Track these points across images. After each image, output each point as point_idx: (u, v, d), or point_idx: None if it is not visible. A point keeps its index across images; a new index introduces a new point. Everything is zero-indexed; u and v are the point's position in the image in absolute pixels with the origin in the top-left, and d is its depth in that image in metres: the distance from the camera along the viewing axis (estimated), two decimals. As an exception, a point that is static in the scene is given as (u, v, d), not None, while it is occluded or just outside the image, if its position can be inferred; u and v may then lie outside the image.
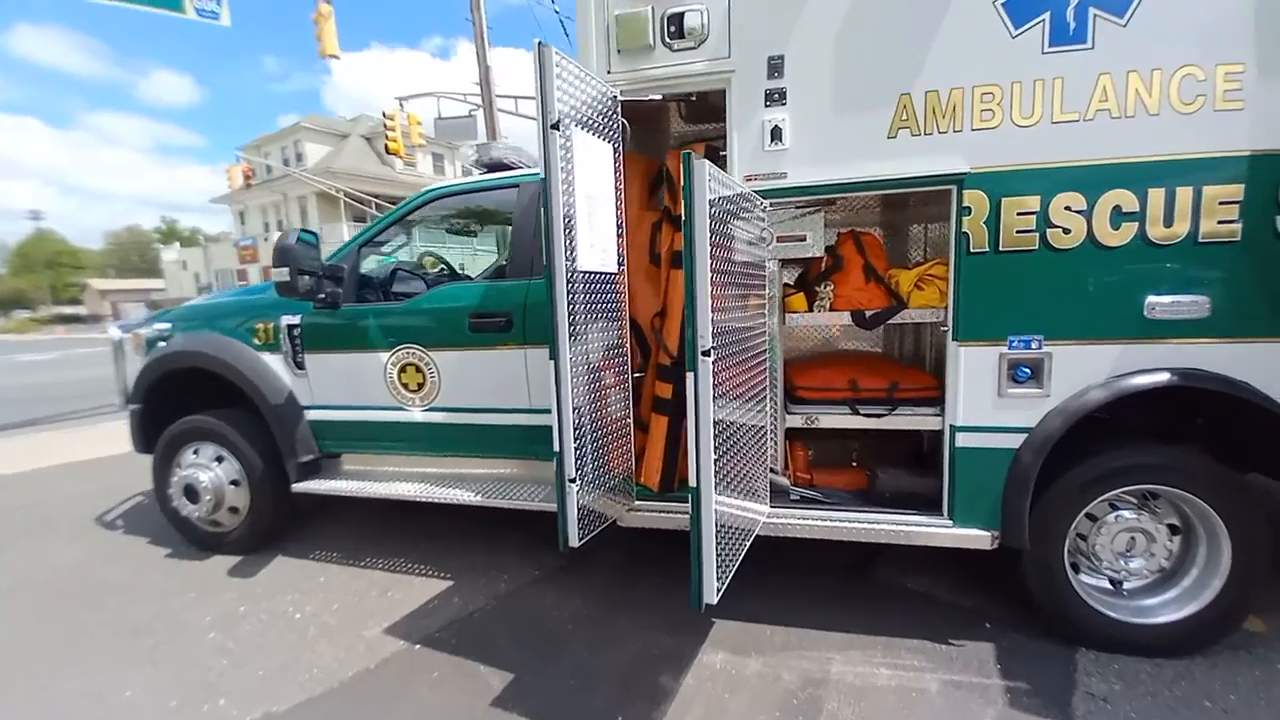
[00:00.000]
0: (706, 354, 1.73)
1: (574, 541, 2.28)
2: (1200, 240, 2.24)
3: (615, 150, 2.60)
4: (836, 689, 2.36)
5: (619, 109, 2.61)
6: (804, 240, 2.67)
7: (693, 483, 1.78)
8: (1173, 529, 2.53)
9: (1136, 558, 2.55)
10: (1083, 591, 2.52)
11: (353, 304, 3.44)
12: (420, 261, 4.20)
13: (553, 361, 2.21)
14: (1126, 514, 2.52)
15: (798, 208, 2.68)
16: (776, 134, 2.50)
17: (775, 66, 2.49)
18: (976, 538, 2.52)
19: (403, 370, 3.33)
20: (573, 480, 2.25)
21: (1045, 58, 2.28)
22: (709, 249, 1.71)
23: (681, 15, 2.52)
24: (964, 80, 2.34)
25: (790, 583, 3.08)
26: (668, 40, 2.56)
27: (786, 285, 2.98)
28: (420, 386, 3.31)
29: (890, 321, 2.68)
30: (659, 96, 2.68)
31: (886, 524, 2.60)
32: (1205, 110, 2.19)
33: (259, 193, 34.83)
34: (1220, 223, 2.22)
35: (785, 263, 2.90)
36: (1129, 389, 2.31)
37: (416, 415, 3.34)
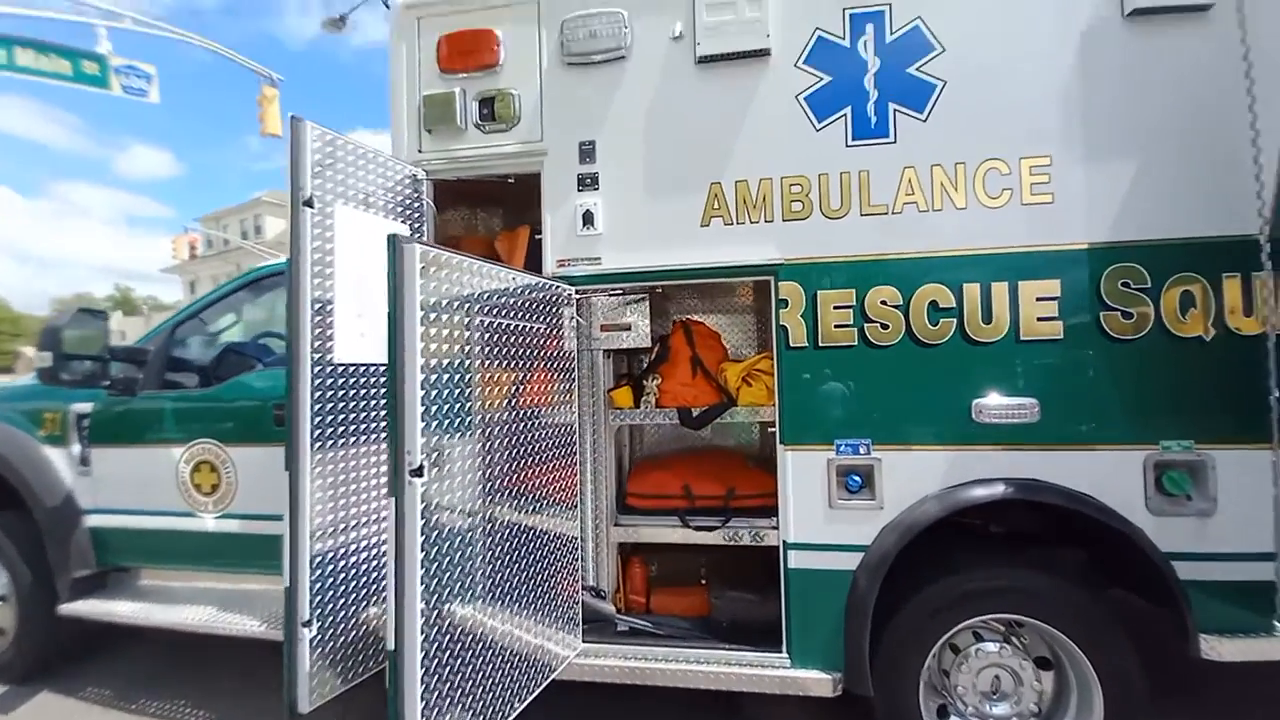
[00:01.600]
0: (417, 473, 1.41)
1: (303, 706, 1.80)
2: (1022, 339, 2.09)
3: (417, 229, 2.39)
4: None
5: (424, 189, 2.44)
6: (629, 330, 2.45)
7: (389, 644, 1.39)
8: (1042, 663, 2.21)
9: (1002, 700, 2.19)
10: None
11: (152, 391, 3.05)
12: (259, 342, 3.86)
13: (288, 472, 1.85)
14: (989, 647, 2.19)
15: (622, 295, 2.48)
16: (589, 218, 2.34)
17: (587, 151, 2.37)
18: (817, 681, 2.13)
19: (196, 469, 2.89)
20: (306, 623, 1.81)
21: (850, 151, 2.20)
22: (419, 347, 1.44)
23: (493, 98, 2.42)
24: (772, 171, 2.24)
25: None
26: (479, 121, 2.44)
27: (625, 377, 2.73)
28: (214, 489, 2.86)
29: (720, 420, 2.42)
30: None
31: (716, 666, 2.19)
32: (1013, 203, 2.11)
33: (213, 263, 34.46)
34: (1040, 320, 2.08)
35: (617, 354, 2.68)
36: (963, 502, 2.06)
37: (208, 523, 2.87)
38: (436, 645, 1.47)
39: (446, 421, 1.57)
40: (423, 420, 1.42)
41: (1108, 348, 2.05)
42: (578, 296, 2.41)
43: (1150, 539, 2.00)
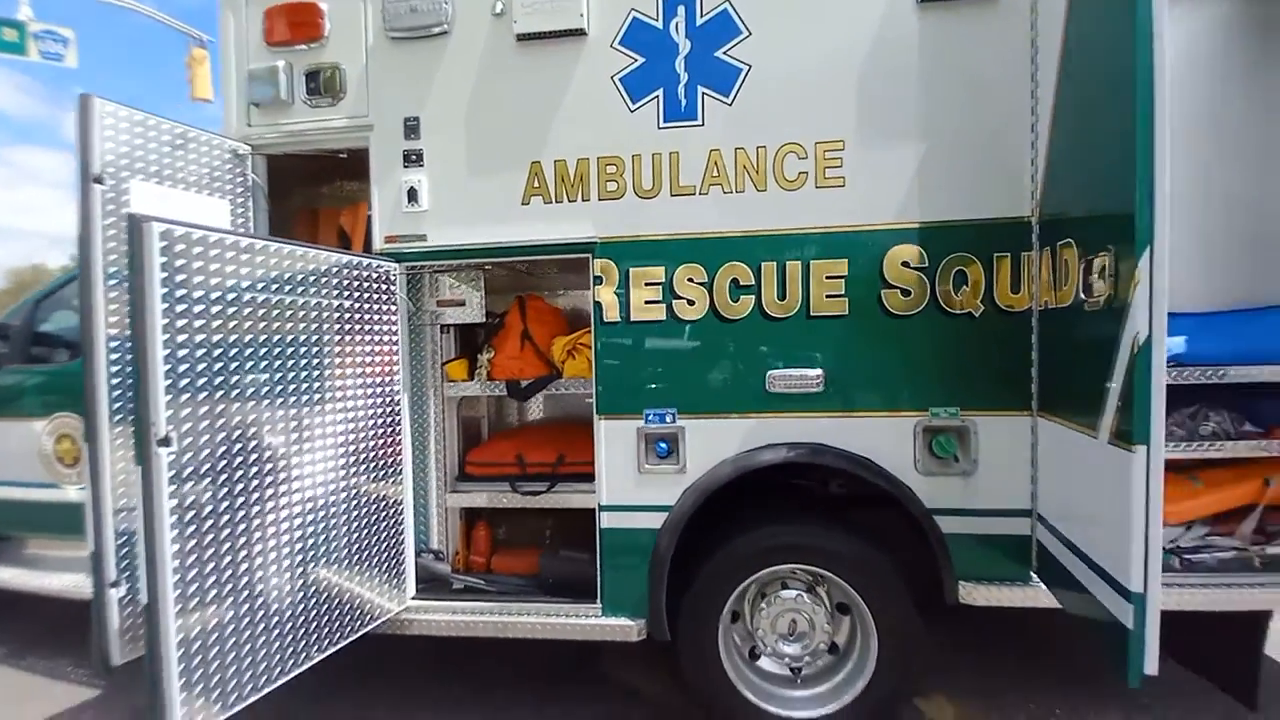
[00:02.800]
0: (164, 443, 1.50)
1: (115, 660, 1.92)
2: (812, 314, 2.23)
3: (241, 204, 2.41)
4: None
5: (249, 164, 2.45)
6: (463, 305, 2.54)
7: (144, 597, 1.51)
8: (843, 609, 2.42)
9: (796, 641, 2.41)
10: (739, 683, 2.34)
11: (17, 365, 3.05)
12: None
13: (87, 444, 1.92)
14: (787, 594, 2.39)
15: (458, 271, 2.56)
16: (414, 195, 2.38)
17: (412, 127, 2.40)
18: (623, 628, 2.32)
19: (58, 441, 2.93)
20: (114, 584, 1.92)
21: (662, 132, 2.27)
22: (161, 323, 1.51)
23: (318, 72, 2.42)
24: (589, 151, 2.31)
25: (496, 674, 2.80)
26: (306, 96, 2.44)
27: (471, 351, 2.81)
28: (77, 460, 2.91)
29: (561, 392, 2.54)
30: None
31: (536, 617, 2.37)
32: (808, 187, 2.22)
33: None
34: (829, 297, 2.22)
35: (467, 328, 2.76)
36: (753, 465, 2.22)
37: (70, 494, 2.92)
38: (197, 603, 1.58)
39: (210, 394, 1.65)
40: (168, 393, 1.50)
41: (887, 323, 2.20)
42: (410, 273, 2.49)
43: (918, 497, 2.20)
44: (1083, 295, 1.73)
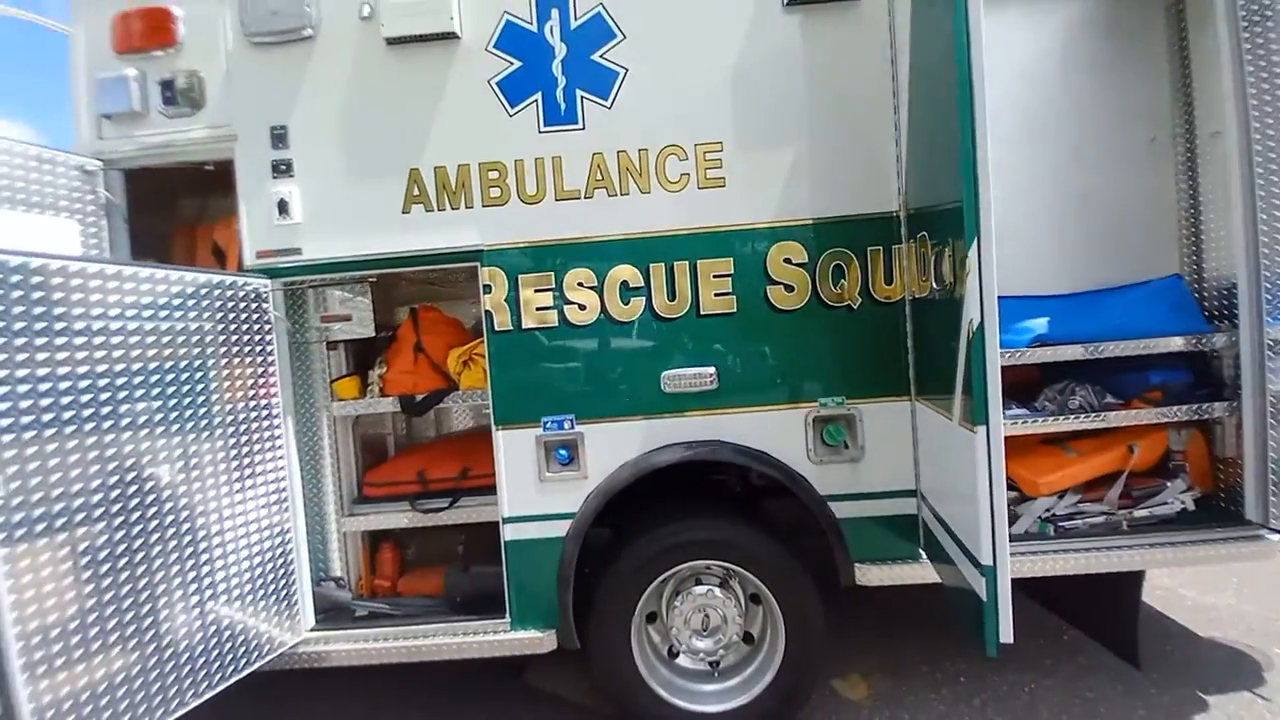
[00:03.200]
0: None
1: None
2: (702, 314, 2.26)
3: (92, 222, 2.24)
4: None
5: (99, 180, 2.27)
6: (349, 320, 2.44)
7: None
8: (757, 600, 2.47)
9: (710, 635, 2.44)
10: (653, 682, 2.35)
11: None
12: None
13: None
14: (698, 590, 2.42)
15: (342, 285, 2.46)
16: (284, 207, 2.27)
17: (279, 136, 2.28)
18: (534, 641, 2.29)
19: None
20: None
21: (543, 137, 2.25)
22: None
23: (173, 80, 2.27)
24: (470, 157, 2.26)
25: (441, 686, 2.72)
26: (162, 106, 2.29)
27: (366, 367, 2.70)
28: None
29: (456, 405, 2.49)
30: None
31: (444, 638, 2.31)
32: (690, 188, 2.25)
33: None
34: (717, 296, 2.26)
35: (361, 344, 2.65)
36: (651, 466, 2.23)
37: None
38: (46, 669, 1.46)
39: (53, 431, 1.52)
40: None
41: (773, 318, 2.26)
42: (287, 289, 2.37)
43: (812, 485, 2.27)
44: (935, 285, 1.82)
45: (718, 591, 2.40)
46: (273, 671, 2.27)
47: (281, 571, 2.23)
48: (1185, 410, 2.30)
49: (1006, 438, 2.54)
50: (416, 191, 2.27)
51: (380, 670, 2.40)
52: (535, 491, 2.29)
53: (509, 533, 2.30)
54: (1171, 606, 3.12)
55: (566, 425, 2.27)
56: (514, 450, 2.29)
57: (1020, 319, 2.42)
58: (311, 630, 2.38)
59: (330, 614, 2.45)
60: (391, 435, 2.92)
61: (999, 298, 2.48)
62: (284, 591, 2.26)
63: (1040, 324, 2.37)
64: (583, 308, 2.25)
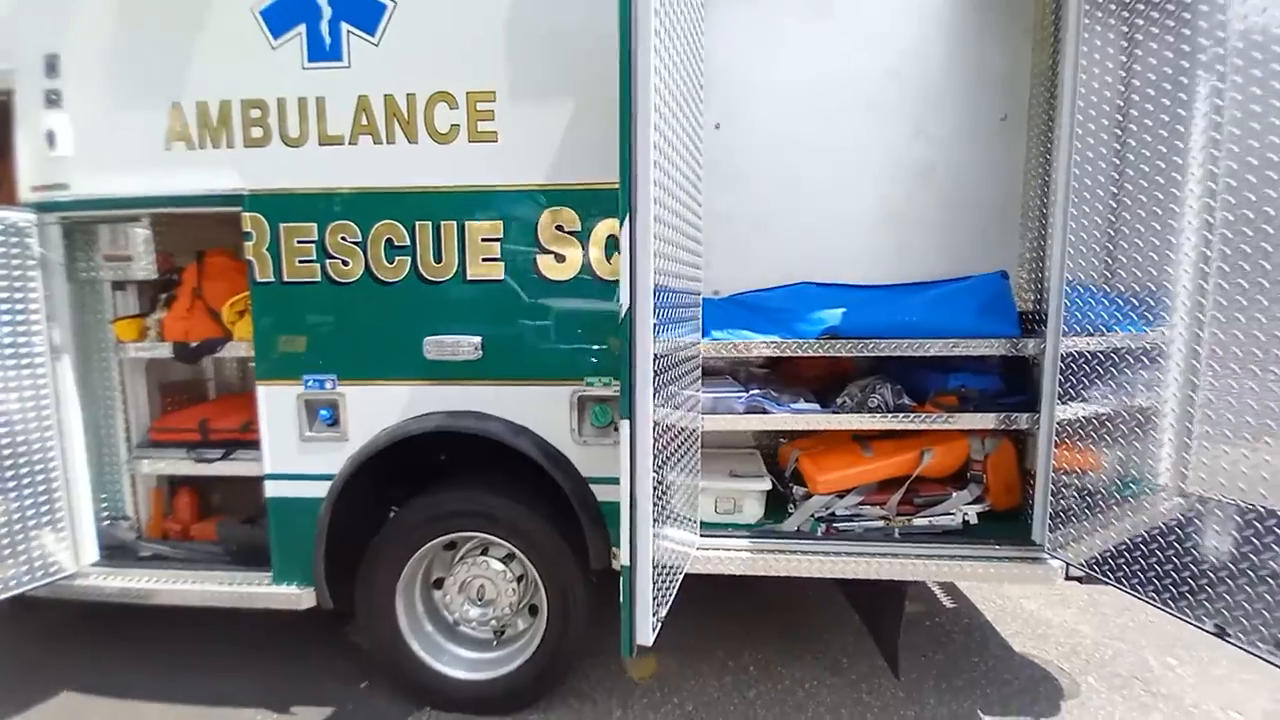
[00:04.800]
0: None
1: None
2: (469, 279, 2.13)
3: None
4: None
5: None
6: (129, 260, 2.37)
7: None
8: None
9: (485, 605, 2.42)
10: (419, 649, 2.36)
11: None
12: None
13: None
14: (475, 560, 2.38)
15: (125, 223, 2.37)
16: (53, 139, 2.17)
17: (52, 65, 2.16)
18: (292, 596, 2.29)
19: None
20: None
21: (306, 74, 2.09)
22: None
23: (-67, -2, 2.15)
24: (232, 92, 2.11)
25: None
26: (-72, 25, 2.17)
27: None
28: None
29: (220, 355, 2.42)
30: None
31: (212, 585, 2.33)
32: (461, 140, 2.08)
33: None
34: (485, 260, 2.12)
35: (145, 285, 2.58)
36: (408, 433, 2.16)
37: None
38: None
39: None
40: None
41: (542, 289, 2.12)
42: (65, 225, 2.30)
43: (575, 466, 2.18)
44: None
45: (494, 563, 2.37)
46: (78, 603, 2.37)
47: (47, 505, 2.24)
48: (979, 419, 2.14)
49: (810, 432, 2.50)
50: (178, 127, 2.14)
51: (217, 615, 2.45)
52: (296, 450, 2.24)
53: (271, 489, 2.27)
54: (1004, 617, 3.02)
55: (328, 385, 2.20)
56: (276, 407, 2.23)
57: (821, 308, 2.25)
58: (93, 564, 2.43)
59: (116, 550, 2.49)
60: (213, 382, 2.90)
61: (803, 284, 2.39)
62: (56, 524, 2.28)
63: (835, 315, 2.20)
64: (346, 264, 2.14)
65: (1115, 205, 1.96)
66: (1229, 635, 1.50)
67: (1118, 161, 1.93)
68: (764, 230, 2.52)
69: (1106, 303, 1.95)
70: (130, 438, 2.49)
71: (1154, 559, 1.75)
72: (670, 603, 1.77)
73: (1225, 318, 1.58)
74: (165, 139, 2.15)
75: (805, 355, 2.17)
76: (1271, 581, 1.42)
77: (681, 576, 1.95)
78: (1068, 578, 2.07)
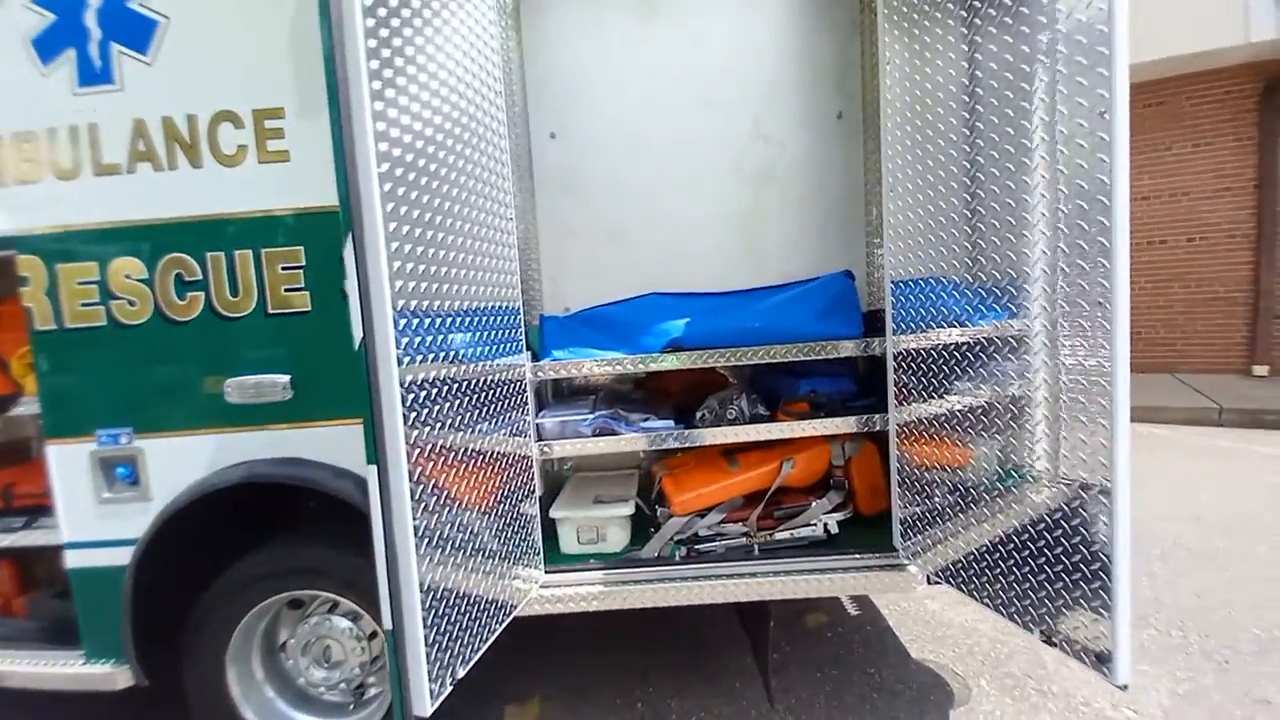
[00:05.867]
0: None
1: None
2: (271, 312, 1.96)
3: None
4: None
5: None
6: (-99, 314, 2.13)
7: None
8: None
9: (333, 667, 2.22)
10: (249, 713, 2.13)
11: None
12: None
13: None
14: (312, 621, 2.18)
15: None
16: None
17: None
18: (108, 675, 2.04)
19: None
20: None
21: (77, 99, 1.89)
22: None
23: None
24: (3, 127, 1.92)
25: None
26: None
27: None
28: None
29: (10, 414, 2.19)
30: None
31: (21, 666, 2.07)
32: (250, 162, 1.91)
33: None
34: (287, 291, 1.95)
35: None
36: (210, 487, 1.95)
37: None
38: None
39: None
40: None
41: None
42: None
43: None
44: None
45: (339, 621, 2.17)
46: None
47: None
48: (826, 424, 2.05)
49: (681, 450, 2.39)
50: (-67, 167, 1.94)
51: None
52: (94, 515, 2.00)
53: (71, 559, 2.03)
54: (907, 620, 2.94)
55: (124, 439, 1.98)
56: (68, 466, 1.99)
57: (667, 319, 2.15)
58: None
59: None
60: (37, 441, 2.64)
61: (651, 295, 2.29)
62: None
63: (679, 326, 2.10)
64: (133, 304, 1.93)
65: (970, 199, 1.91)
66: (1055, 642, 1.42)
67: (969, 150, 1.88)
68: (616, 240, 2.42)
69: (965, 296, 1.88)
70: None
71: (989, 563, 1.66)
72: (476, 657, 1.60)
73: (1070, 305, 1.52)
74: (-80, 180, 1.94)
75: (649, 371, 2.05)
76: (1085, 586, 1.34)
77: (505, 621, 1.80)
78: (930, 582, 1.98)
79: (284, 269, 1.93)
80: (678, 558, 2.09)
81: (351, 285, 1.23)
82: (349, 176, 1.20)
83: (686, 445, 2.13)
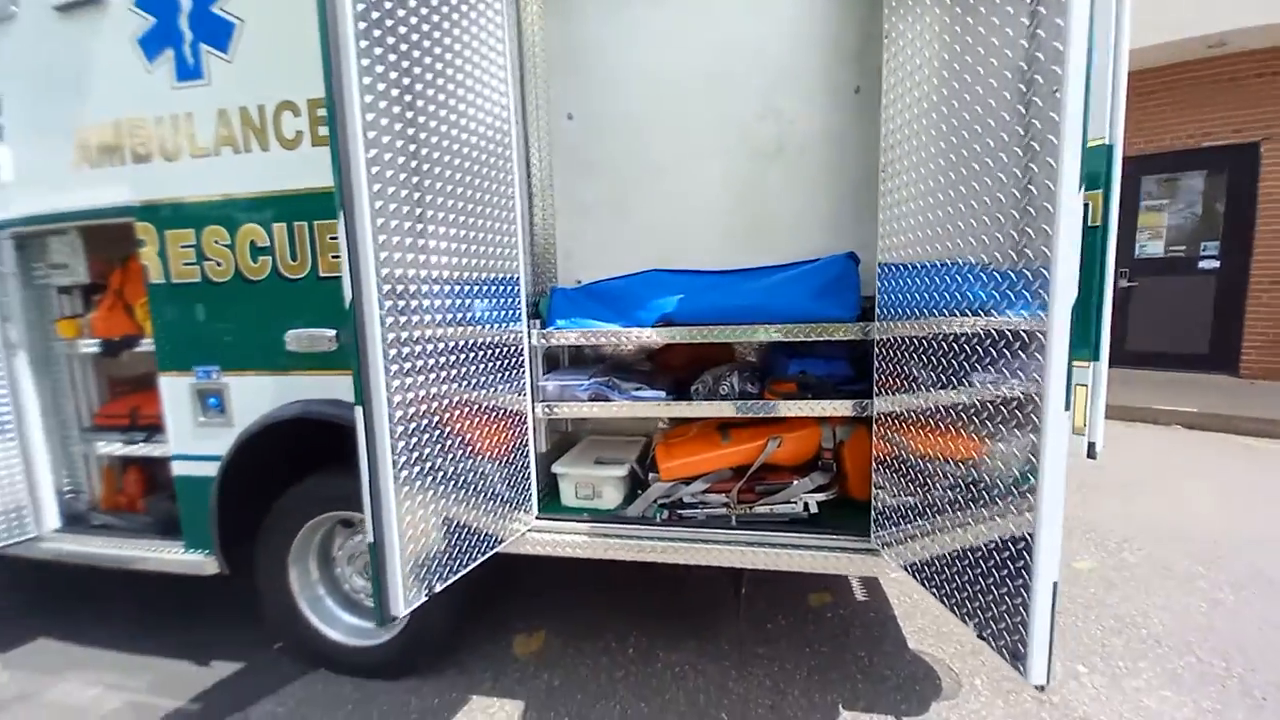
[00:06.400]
0: None
1: None
2: (322, 275, 2.28)
3: None
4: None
5: None
6: (66, 267, 2.70)
7: None
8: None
9: (365, 578, 2.60)
10: (311, 615, 2.57)
11: None
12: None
13: None
14: (359, 537, 2.57)
15: (61, 234, 2.70)
16: (-1, 167, 2.53)
17: (-3, 104, 2.52)
18: (200, 563, 2.57)
19: None
20: None
21: (175, 93, 2.29)
22: None
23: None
24: (120, 113, 2.35)
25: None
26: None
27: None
28: None
29: (136, 350, 2.70)
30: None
31: (142, 552, 2.65)
32: (305, 146, 2.21)
33: None
34: (334, 257, 2.26)
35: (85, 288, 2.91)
36: (273, 419, 2.35)
37: None
38: None
39: None
40: None
41: (383, 283, 2.23)
42: (19, 239, 2.66)
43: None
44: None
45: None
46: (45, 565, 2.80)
47: (6, 479, 2.64)
48: (809, 406, 2.07)
49: (686, 421, 2.49)
50: (82, 150, 2.43)
51: (168, 580, 2.80)
52: (192, 434, 2.49)
53: (177, 468, 2.55)
54: (914, 613, 2.87)
55: (214, 375, 2.43)
56: (175, 395, 2.49)
57: (663, 295, 2.23)
58: (55, 530, 2.82)
59: (74, 520, 2.88)
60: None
61: (653, 271, 2.37)
62: (19, 495, 2.69)
63: (673, 302, 2.17)
64: (219, 265, 2.35)
65: (971, 182, 1.82)
66: (984, 636, 1.40)
67: (966, 134, 1.78)
68: (625, 218, 2.52)
69: (984, 281, 1.81)
70: (80, 423, 2.87)
71: (948, 560, 1.63)
72: (455, 576, 1.85)
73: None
74: (73, 160, 2.44)
75: (641, 344, 2.17)
76: (1010, 584, 1.31)
77: (490, 552, 2.03)
78: (907, 570, 1.97)
79: (331, 238, 2.25)
80: (658, 520, 2.23)
81: (343, 254, 1.46)
82: (340, 163, 1.41)
83: (674, 416, 2.25)
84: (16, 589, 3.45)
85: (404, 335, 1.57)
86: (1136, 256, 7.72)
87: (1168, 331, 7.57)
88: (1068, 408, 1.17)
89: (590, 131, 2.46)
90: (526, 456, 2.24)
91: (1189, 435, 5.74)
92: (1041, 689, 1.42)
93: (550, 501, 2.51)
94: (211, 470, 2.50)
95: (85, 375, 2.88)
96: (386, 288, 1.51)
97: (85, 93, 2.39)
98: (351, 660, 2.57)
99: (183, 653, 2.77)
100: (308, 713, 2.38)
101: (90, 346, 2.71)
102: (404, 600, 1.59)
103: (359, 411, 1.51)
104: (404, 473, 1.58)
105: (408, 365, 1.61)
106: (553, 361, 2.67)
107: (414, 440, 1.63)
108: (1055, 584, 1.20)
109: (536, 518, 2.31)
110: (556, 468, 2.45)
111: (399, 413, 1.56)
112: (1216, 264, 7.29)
